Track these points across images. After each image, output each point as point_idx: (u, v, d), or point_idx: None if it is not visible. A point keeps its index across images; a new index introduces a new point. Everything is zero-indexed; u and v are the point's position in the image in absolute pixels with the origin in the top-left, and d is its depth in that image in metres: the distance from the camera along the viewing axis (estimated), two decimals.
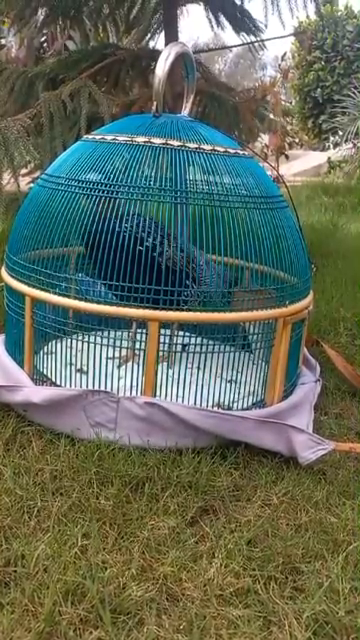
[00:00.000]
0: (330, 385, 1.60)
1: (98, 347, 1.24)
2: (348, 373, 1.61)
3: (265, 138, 6.20)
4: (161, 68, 1.30)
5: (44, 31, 4.22)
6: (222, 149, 1.29)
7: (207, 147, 1.26)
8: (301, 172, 10.55)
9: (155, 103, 1.31)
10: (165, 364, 1.32)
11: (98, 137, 1.31)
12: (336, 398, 1.55)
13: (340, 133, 7.52)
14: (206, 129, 1.35)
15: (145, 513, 1.02)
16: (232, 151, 1.30)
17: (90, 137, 1.33)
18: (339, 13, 8.45)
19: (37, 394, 1.21)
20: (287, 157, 8.26)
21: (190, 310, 1.20)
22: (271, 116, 3.13)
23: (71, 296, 1.21)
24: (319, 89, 8.33)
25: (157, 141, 1.24)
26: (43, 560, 0.88)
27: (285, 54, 8.41)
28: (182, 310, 1.18)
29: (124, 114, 2.67)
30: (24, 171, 2.78)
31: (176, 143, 1.24)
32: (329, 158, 7.52)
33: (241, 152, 1.34)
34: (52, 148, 2.43)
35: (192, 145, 1.25)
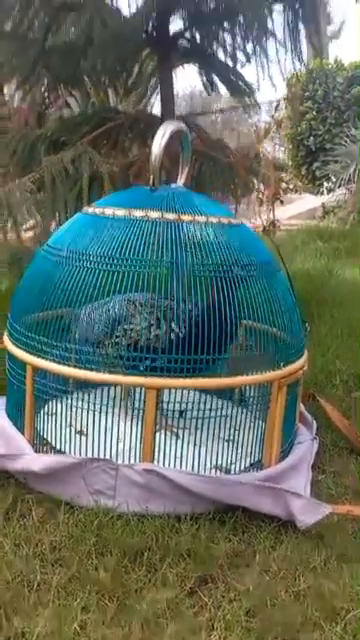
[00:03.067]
0: (327, 441, 1.61)
1: (97, 408, 1.27)
2: (345, 428, 1.63)
3: (260, 185, 6.36)
4: (157, 145, 1.38)
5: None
6: (215, 219, 1.35)
7: (201, 218, 1.33)
8: (296, 215, 10.77)
9: (152, 177, 1.38)
10: (163, 432, 1.34)
11: (98, 210, 1.37)
12: (333, 455, 1.56)
13: (333, 179, 7.72)
14: (200, 199, 1.42)
15: (144, 584, 1.02)
16: (225, 221, 1.37)
17: (90, 210, 1.40)
18: (329, 66, 8.80)
19: (37, 462, 1.23)
20: (282, 202, 8.46)
21: (187, 377, 1.23)
22: (264, 171, 3.23)
23: (71, 364, 1.24)
24: (312, 137, 8.59)
25: (154, 215, 1.30)
26: (43, 637, 0.89)
27: (279, 104, 8.71)
28: (179, 377, 1.22)
29: (123, 173, 2.78)
30: (27, 225, 2.86)
31: (172, 216, 1.30)
32: (323, 204, 7.70)
33: (234, 221, 1.40)
34: (54, 206, 2.51)
35: (187, 217, 1.31)
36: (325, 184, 8.45)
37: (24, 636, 0.88)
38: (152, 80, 3.06)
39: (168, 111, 2.69)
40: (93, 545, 1.09)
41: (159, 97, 3.01)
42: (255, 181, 3.22)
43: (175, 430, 1.39)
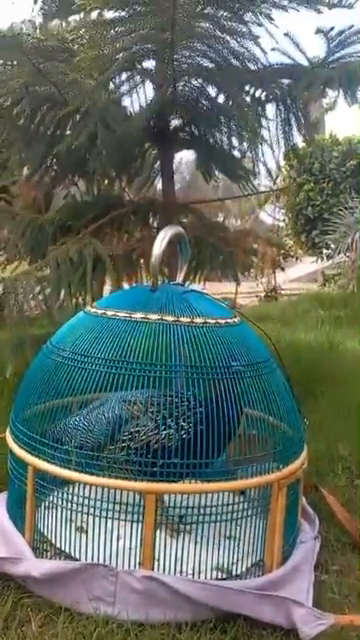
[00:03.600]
0: (330, 536, 1.59)
1: (98, 512, 1.27)
2: (347, 522, 1.61)
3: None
4: (157, 249, 1.45)
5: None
6: (213, 321, 1.40)
7: (199, 320, 1.38)
8: (297, 278, 10.97)
9: (152, 279, 1.45)
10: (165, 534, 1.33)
11: (100, 311, 1.43)
12: (337, 552, 1.54)
13: (333, 246, 7.92)
14: (198, 300, 1.47)
15: None
16: (222, 322, 1.41)
17: (92, 310, 1.45)
18: (325, 140, 9.24)
19: (37, 567, 1.22)
20: (283, 269, 8.65)
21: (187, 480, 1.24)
22: (261, 250, 3.35)
23: (72, 468, 1.26)
24: (310, 207, 8.92)
25: (153, 317, 1.35)
26: None
27: (277, 177, 9.07)
28: (178, 482, 1.23)
29: (127, 256, 2.89)
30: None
31: (170, 318, 1.35)
32: (323, 272, 7.88)
33: (231, 320, 1.45)
34: (59, 287, 2.60)
35: (185, 319, 1.36)
36: (325, 251, 8.67)
37: None
38: (153, 167, 3.22)
39: (169, 198, 2.82)
40: None
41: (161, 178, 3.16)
42: (254, 259, 3.31)
43: (175, 532, 1.38)
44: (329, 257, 8.39)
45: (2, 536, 1.37)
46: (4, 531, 1.37)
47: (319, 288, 7.81)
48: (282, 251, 7.30)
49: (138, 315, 1.37)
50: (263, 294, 8.27)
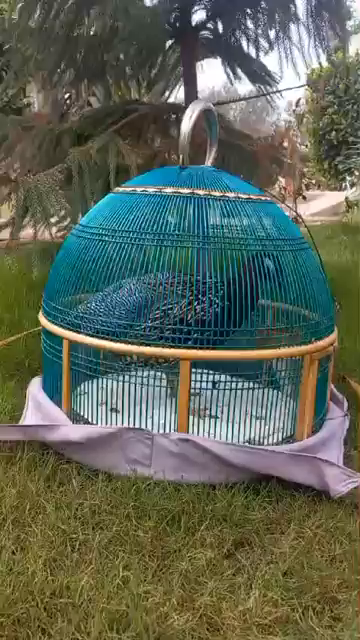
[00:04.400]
0: (358, 420, 1.61)
1: (132, 386, 1.29)
2: None
3: (283, 181, 6.34)
4: (186, 125, 1.40)
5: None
6: (245, 196, 1.37)
7: (231, 195, 1.35)
8: (319, 212, 10.68)
9: (181, 156, 1.41)
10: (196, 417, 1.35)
11: (129, 189, 1.40)
12: None
13: (357, 173, 7.67)
14: (229, 178, 1.44)
15: (182, 545, 1.05)
16: (255, 197, 1.38)
17: (120, 190, 1.43)
18: (350, 60, 8.75)
19: (76, 432, 1.26)
20: (305, 198, 8.42)
21: (219, 349, 1.25)
22: (288, 161, 3.23)
23: (108, 337, 1.27)
24: (334, 132, 8.57)
25: (184, 191, 1.33)
26: (87, 591, 0.92)
27: (299, 100, 8.69)
28: (211, 349, 1.24)
29: (148, 164, 2.81)
30: (54, 219, 2.90)
31: (202, 192, 1.33)
32: (347, 198, 7.65)
33: (263, 198, 1.42)
34: (82, 197, 2.55)
35: (217, 193, 1.33)
36: (348, 178, 8.40)
37: (69, 589, 0.91)
38: (174, 73, 3.08)
39: (191, 99, 2.71)
40: (132, 509, 1.12)
41: (181, 90, 3.04)
42: (278, 171, 3.21)
43: (206, 414, 1.40)
44: (352, 185, 8.13)
45: (39, 410, 1.41)
46: (40, 405, 1.41)
47: (342, 216, 7.61)
48: (305, 177, 7.07)
49: (169, 190, 1.34)
50: None
